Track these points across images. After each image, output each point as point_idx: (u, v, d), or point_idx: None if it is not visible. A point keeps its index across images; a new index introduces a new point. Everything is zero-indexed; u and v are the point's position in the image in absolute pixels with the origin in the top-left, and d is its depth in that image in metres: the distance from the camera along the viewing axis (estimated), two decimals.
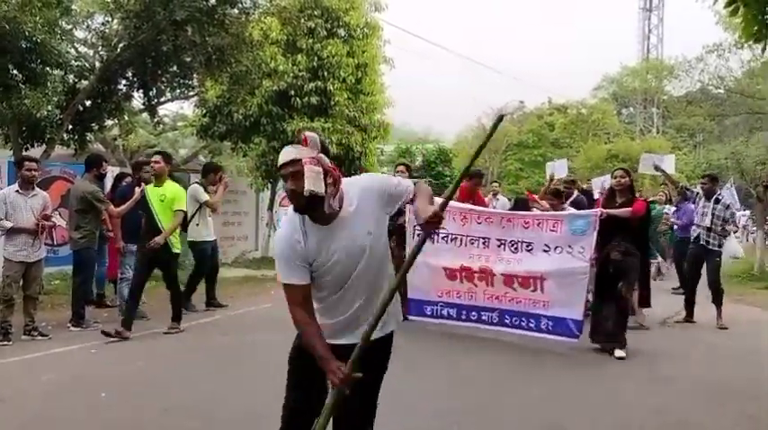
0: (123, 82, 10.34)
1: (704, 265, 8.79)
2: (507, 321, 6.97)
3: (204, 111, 13.83)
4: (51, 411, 4.74)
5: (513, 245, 6.88)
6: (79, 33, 10.65)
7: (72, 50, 10.47)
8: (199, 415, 4.71)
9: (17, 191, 7.07)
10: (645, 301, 7.82)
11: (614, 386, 5.72)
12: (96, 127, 10.81)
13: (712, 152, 22.42)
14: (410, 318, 7.18)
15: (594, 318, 6.83)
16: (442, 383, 5.64)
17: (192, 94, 12.40)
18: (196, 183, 9.06)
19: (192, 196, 8.59)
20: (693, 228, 9.01)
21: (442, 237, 7.14)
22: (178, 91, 11.50)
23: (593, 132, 31.43)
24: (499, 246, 6.96)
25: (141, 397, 5.12)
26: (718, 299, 8.67)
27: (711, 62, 17.90)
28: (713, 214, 8.61)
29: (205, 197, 8.70)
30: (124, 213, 7.91)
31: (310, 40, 13.37)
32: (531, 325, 6.82)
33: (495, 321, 7.03)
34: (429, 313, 7.39)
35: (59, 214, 9.63)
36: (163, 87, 10.59)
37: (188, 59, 9.71)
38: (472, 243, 7.06)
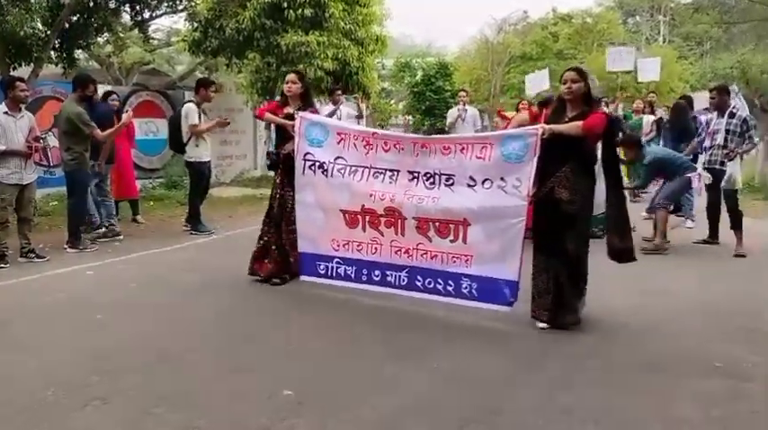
0: None
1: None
2: (419, 283, 5.27)
3: (195, 26, 13.44)
4: (54, 331, 4.82)
5: (428, 178, 5.18)
6: None
7: None
8: (190, 336, 4.81)
9: (5, 112, 6.95)
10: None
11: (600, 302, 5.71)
12: (84, 44, 10.53)
13: (719, 61, 21.93)
14: (302, 278, 5.89)
15: (533, 281, 4.96)
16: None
17: (181, 7, 12.01)
18: (190, 101, 8.86)
19: (185, 116, 8.47)
20: (701, 156, 8.24)
21: (339, 169, 5.53)
22: (166, 4, 11.12)
23: (599, 42, 30.65)
24: (411, 181, 5.26)
25: (138, 316, 5.22)
26: (735, 223, 7.74)
27: None
28: (727, 130, 7.66)
29: (194, 120, 8.52)
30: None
31: None
32: (450, 288, 5.13)
33: (403, 283, 5.34)
34: (323, 272, 5.73)
35: (53, 134, 9.52)
36: (150, 1, 10.26)
37: None
38: (377, 177, 5.39)
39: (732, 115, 7.70)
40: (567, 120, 4.78)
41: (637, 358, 4.34)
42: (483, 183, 4.93)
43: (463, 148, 5.04)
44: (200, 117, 8.59)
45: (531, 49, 31.05)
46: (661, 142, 10.46)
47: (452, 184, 5.08)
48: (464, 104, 10.88)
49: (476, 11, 59.42)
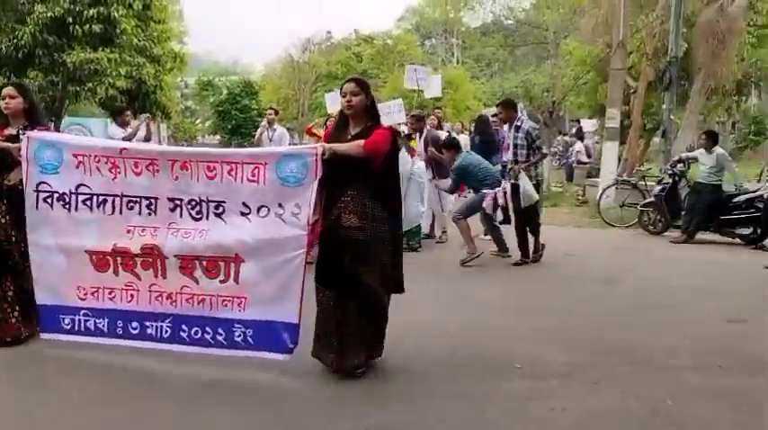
0: None
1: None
2: (184, 334, 4.33)
3: None
4: None
5: (193, 206, 4.26)
6: None
7: None
8: None
9: None
10: None
11: None
12: None
13: (506, 80, 23.77)
14: (43, 335, 4.59)
15: (317, 320, 4.27)
16: None
17: None
18: None
19: None
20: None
21: (84, 201, 4.40)
22: None
23: (400, 63, 32.01)
24: (173, 210, 4.30)
25: None
26: (536, 235, 7.86)
27: None
28: (515, 144, 7.59)
29: None
30: None
31: None
32: (221, 337, 4.29)
33: (166, 334, 4.36)
34: (68, 327, 4.54)
35: None
36: None
37: None
38: (131, 208, 4.35)
39: (517, 128, 7.59)
40: (350, 137, 4.18)
41: (444, 368, 4.41)
42: (258, 210, 4.10)
43: (231, 169, 4.12)
44: None
45: (336, 69, 31.72)
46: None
47: (223, 213, 4.19)
48: (271, 123, 10.39)
49: (281, 29, 59.65)
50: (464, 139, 12.45)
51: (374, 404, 3.83)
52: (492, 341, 5.00)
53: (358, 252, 4.11)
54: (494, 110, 15.02)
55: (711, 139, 9.76)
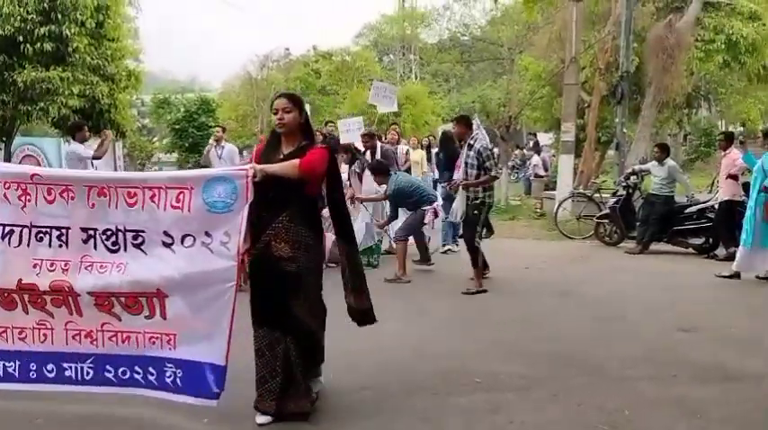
0: None
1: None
2: (110, 375, 3.83)
3: None
4: None
5: (109, 236, 3.77)
6: None
7: None
8: None
9: None
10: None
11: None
12: None
13: (464, 95, 24.03)
14: None
15: (256, 362, 3.84)
16: None
17: None
18: None
19: None
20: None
21: None
22: None
23: (358, 79, 32.12)
24: (86, 241, 3.80)
25: None
26: (472, 260, 7.28)
27: (457, 10, 18.96)
28: (465, 162, 7.22)
29: None
30: None
31: None
32: (152, 377, 3.80)
33: (88, 377, 3.84)
34: None
35: None
36: None
37: None
38: (41, 239, 3.84)
39: (470, 147, 7.21)
40: (281, 157, 3.81)
41: (402, 384, 4.39)
42: (183, 240, 3.66)
43: (154, 195, 3.65)
44: None
45: (294, 85, 31.64)
46: (434, 172, 11.29)
47: (143, 244, 3.71)
48: (219, 141, 9.92)
49: (239, 47, 59.48)
50: (419, 155, 12.57)
51: (331, 423, 3.80)
52: (450, 356, 5.01)
53: (289, 285, 3.74)
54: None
55: (664, 152, 10.00)
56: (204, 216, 3.63)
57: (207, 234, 3.64)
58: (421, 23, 25.97)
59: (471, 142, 7.25)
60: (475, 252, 7.21)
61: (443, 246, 9.72)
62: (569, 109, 14.38)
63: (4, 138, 12.80)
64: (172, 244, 3.69)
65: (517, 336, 5.54)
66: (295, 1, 76.66)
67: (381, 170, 8.19)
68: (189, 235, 3.66)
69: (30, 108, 11.85)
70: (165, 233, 3.68)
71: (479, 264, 7.30)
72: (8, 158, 13.63)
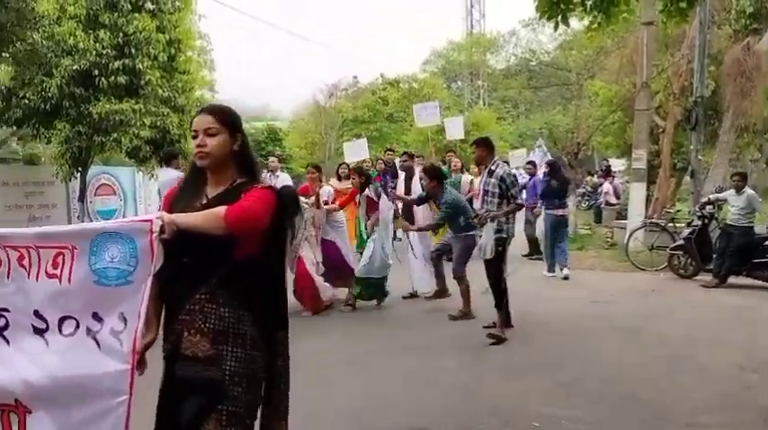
0: None
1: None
2: None
3: None
4: None
5: None
6: None
7: None
8: None
9: None
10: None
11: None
12: None
13: (532, 121, 23.67)
14: None
15: None
16: None
17: None
18: None
19: None
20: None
21: None
22: None
23: None
24: None
25: None
26: (497, 302, 6.45)
27: (524, 36, 18.76)
28: (485, 190, 6.41)
29: None
30: None
31: (114, 14, 12.28)
32: None
33: None
34: None
35: None
36: None
37: None
38: None
39: (491, 173, 6.39)
40: (204, 203, 2.51)
41: (459, 426, 4.21)
42: (60, 325, 2.41)
43: (21, 257, 2.41)
44: None
45: (362, 113, 31.96)
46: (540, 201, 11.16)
47: (5, 329, 2.45)
48: (273, 171, 9.62)
49: (309, 76, 60.76)
50: (464, 179, 12.17)
51: None
52: (507, 397, 4.79)
53: (205, 402, 2.42)
54: (522, 151, 15.15)
55: (743, 180, 9.53)
56: (91, 290, 2.37)
57: (95, 317, 2.39)
58: (488, 49, 25.78)
59: (492, 167, 6.43)
60: (502, 293, 6.41)
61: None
62: (641, 135, 13.89)
63: (80, 168, 13.30)
64: (45, 330, 2.42)
65: (580, 376, 5.26)
66: (364, 30, 77.85)
67: (435, 174, 7.52)
68: (69, 317, 2.41)
69: (104, 139, 12.24)
70: (37, 314, 2.42)
71: (505, 307, 6.44)
72: (84, 187, 14.20)
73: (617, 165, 23.83)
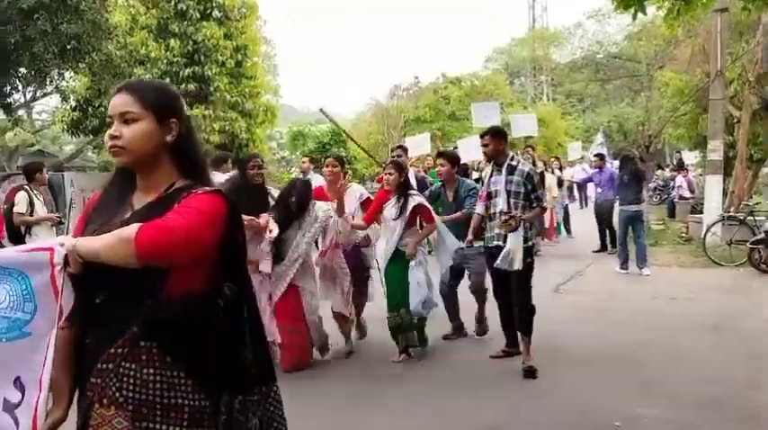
0: None
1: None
2: None
3: (73, 105, 12.90)
4: None
5: None
6: None
7: None
8: None
9: None
10: None
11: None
12: None
13: (599, 115, 23.13)
14: None
15: None
16: None
17: (50, 88, 11.52)
18: (22, 187, 7.29)
19: (16, 204, 7.02)
20: (489, 224, 5.35)
21: None
22: (33, 86, 10.64)
23: None
24: None
25: None
26: (524, 325, 5.18)
27: (590, 28, 18.37)
28: (507, 191, 5.15)
29: (21, 208, 6.98)
30: None
31: (183, 23, 12.69)
32: None
33: None
34: None
35: None
36: (17, 82, 9.77)
37: (40, 50, 8.93)
38: None
39: (512, 170, 5.19)
40: (126, 218, 1.77)
41: (538, 424, 4.15)
42: None
43: None
44: (31, 205, 7.08)
45: (424, 113, 31.93)
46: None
47: None
48: (305, 172, 8.42)
49: (372, 78, 61.07)
50: (550, 179, 12.09)
51: None
52: (587, 395, 4.68)
53: None
54: (578, 144, 14.74)
55: None
56: None
57: None
58: (552, 43, 25.35)
59: (513, 163, 5.21)
60: (531, 314, 5.18)
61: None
62: (716, 126, 13.37)
63: None
64: None
65: (661, 374, 5.10)
66: (424, 30, 77.61)
67: (455, 159, 6.22)
68: None
69: None
70: None
71: (531, 331, 5.18)
72: None
73: (689, 157, 23.06)
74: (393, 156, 6.80)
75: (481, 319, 6.27)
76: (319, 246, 5.65)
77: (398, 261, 5.41)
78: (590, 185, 15.53)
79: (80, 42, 9.04)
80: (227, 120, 12.97)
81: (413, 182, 6.52)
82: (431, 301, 5.54)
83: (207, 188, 1.78)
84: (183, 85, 12.42)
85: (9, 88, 9.73)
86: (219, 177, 6.81)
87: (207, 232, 1.67)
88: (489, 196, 5.33)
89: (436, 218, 5.61)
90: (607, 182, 11.68)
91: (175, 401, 1.70)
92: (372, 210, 5.62)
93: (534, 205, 5.22)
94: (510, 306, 5.31)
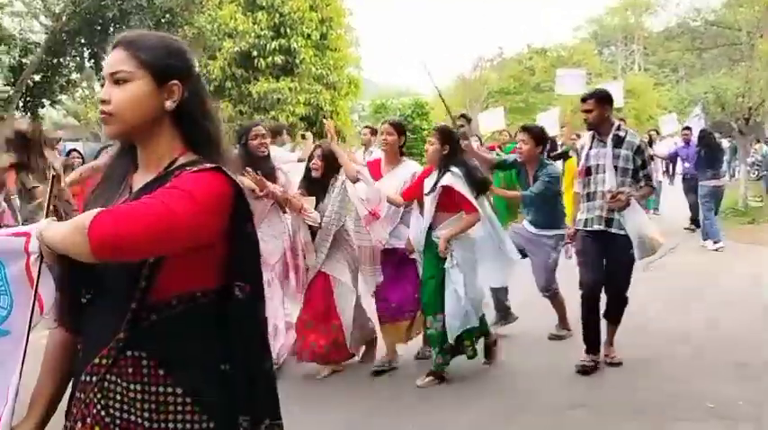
0: (72, 53, 9.95)
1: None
2: None
3: None
4: None
5: None
6: (19, 5, 10.19)
7: (14, 23, 10.02)
8: None
9: None
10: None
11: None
12: (49, 102, 10.45)
13: (694, 86, 22.07)
14: None
15: None
16: None
17: None
18: None
19: None
20: (587, 205, 4.52)
21: None
22: None
23: None
24: None
25: None
26: (617, 314, 4.64)
27: None
28: (615, 166, 4.36)
29: None
30: None
31: None
32: None
33: None
34: None
35: None
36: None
37: (136, 24, 9.30)
38: None
39: (619, 141, 4.42)
40: (128, 195, 1.46)
41: (624, 405, 4.06)
42: None
43: None
44: None
45: (508, 84, 31.36)
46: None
47: None
48: (366, 145, 7.14)
49: (453, 50, 60.37)
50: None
51: None
52: (677, 376, 4.54)
53: None
54: (673, 116, 14.22)
55: None
56: None
57: None
58: (646, 11, 24.26)
59: (620, 134, 4.43)
60: (626, 303, 4.64)
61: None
62: None
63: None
64: None
65: (758, 356, 4.87)
66: (513, 2, 76.03)
67: (540, 135, 5.19)
68: None
69: (263, 117, 12.94)
70: None
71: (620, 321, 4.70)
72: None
73: None
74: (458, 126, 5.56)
75: (562, 317, 5.33)
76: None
77: (433, 250, 4.31)
78: (678, 161, 14.93)
79: (174, 16, 9.35)
80: (312, 92, 13.13)
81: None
82: (471, 318, 4.27)
83: (206, 165, 1.38)
84: (270, 58, 12.64)
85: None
86: (274, 150, 5.48)
87: (196, 219, 1.29)
88: (588, 172, 4.52)
89: (486, 213, 4.51)
90: (694, 156, 11.20)
91: (168, 425, 1.36)
92: (415, 185, 4.49)
93: (642, 184, 4.47)
94: (597, 301, 4.58)
